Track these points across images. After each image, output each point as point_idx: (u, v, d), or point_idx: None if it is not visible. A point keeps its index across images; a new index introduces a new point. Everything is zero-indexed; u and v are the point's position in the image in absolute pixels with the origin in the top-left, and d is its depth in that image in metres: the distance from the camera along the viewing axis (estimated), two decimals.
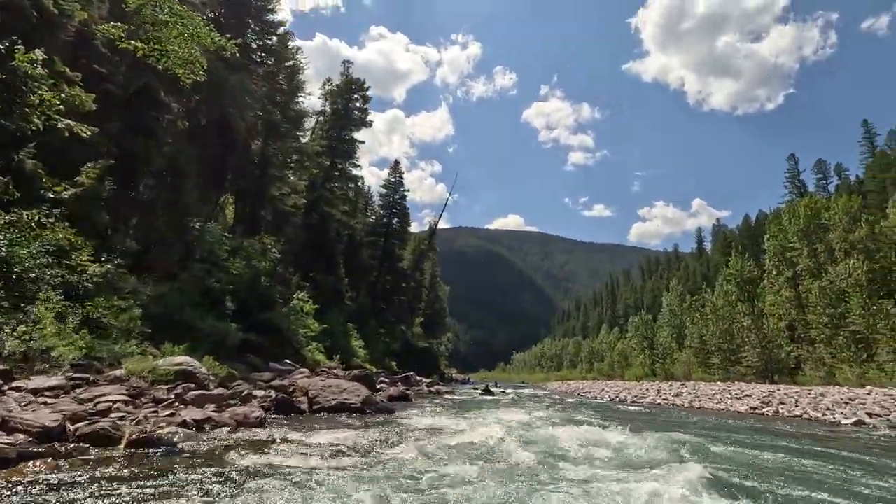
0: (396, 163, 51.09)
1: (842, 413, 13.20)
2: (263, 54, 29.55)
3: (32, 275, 8.66)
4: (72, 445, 4.96)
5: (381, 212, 49.29)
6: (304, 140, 35.85)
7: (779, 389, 19.98)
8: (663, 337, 50.80)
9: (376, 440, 6.86)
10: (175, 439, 5.52)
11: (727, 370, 36.34)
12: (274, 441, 6.14)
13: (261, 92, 28.23)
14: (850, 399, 14.94)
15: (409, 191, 49.68)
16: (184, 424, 6.05)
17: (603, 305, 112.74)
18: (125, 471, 4.40)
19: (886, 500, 4.80)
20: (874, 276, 27.87)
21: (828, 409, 13.99)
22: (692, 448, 7.41)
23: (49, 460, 4.46)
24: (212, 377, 10.04)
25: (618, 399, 23.72)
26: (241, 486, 4.08)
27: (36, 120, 11.34)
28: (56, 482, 3.94)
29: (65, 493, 3.70)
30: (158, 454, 5.01)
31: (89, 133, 13.27)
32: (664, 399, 21.32)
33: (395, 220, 48.52)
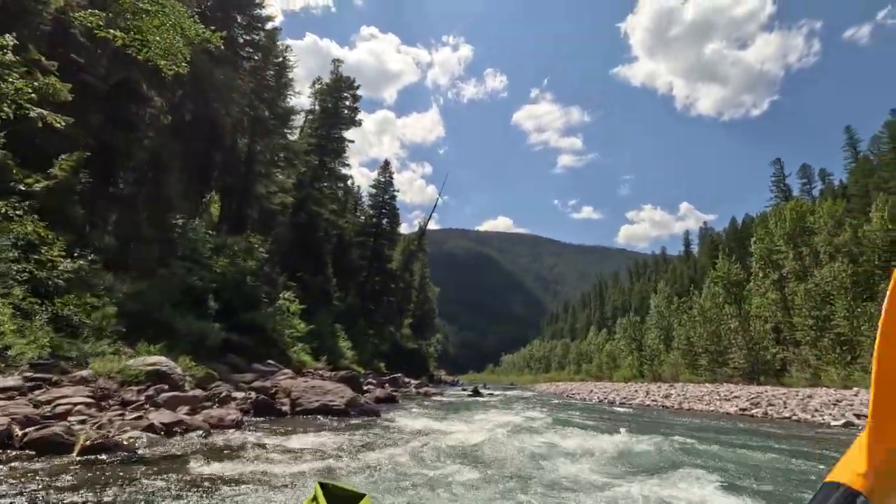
0: (386, 163, 50.65)
1: (830, 415, 13.17)
2: (250, 49, 29.02)
3: None
4: (15, 453, 4.53)
5: (371, 212, 48.83)
6: (292, 138, 35.31)
7: (766, 391, 20.02)
8: (651, 338, 51.07)
9: (357, 443, 6.55)
10: (136, 445, 5.08)
11: (714, 371, 36.57)
12: (247, 446, 5.78)
13: (247, 87, 27.72)
14: (837, 401, 14.96)
15: (398, 191, 49.32)
16: (150, 428, 5.65)
17: (591, 307, 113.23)
18: (71, 481, 3.96)
19: None
20: (858, 279, 28.21)
21: (816, 410, 13.97)
22: (684, 450, 7.23)
23: None
24: (188, 378, 9.62)
25: (607, 401, 23.62)
26: (199, 496, 3.73)
27: (6, 108, 10.85)
28: None
29: None
30: (114, 462, 4.58)
31: (63, 123, 12.76)
32: (653, 400, 21.25)
33: (384, 221, 48.09)
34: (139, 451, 4.98)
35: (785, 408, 14.98)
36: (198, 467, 4.46)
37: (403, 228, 59.48)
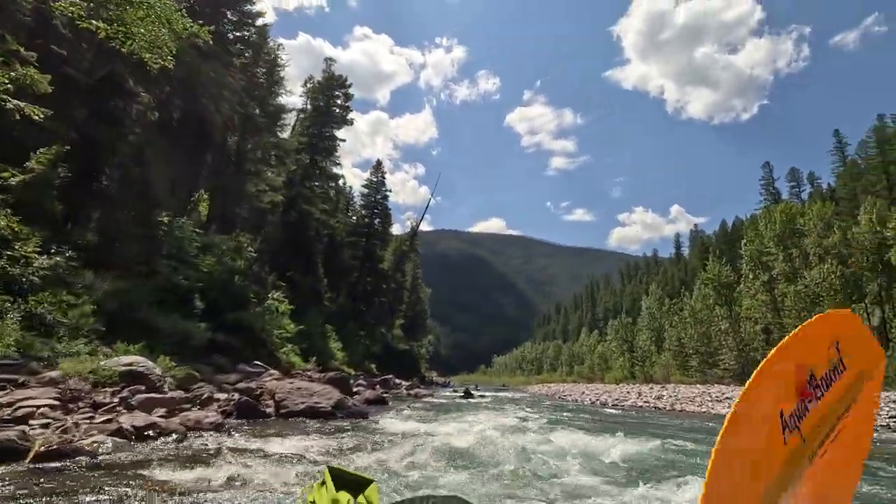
0: (379, 162, 50.32)
1: None
2: (241, 46, 28.59)
3: None
4: None
5: (363, 212, 48.47)
6: (283, 136, 34.89)
7: None
8: (642, 340, 51.23)
9: (341, 446, 6.28)
10: (99, 450, 4.75)
11: (705, 373, 36.69)
12: (223, 450, 5.49)
13: (238, 85, 27.29)
14: None
15: (390, 191, 49.00)
16: (119, 432, 5.32)
17: (583, 309, 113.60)
18: (13, 492, 3.59)
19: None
20: (847, 281, 28.42)
21: None
22: (679, 452, 7.06)
23: None
24: (168, 379, 9.27)
25: (599, 402, 23.50)
26: None
27: None
28: None
29: None
30: (68, 470, 4.21)
31: (42, 116, 12.36)
32: (645, 402, 21.17)
33: (376, 221, 47.73)
34: (100, 458, 4.63)
35: None
36: (162, 474, 4.12)
37: (396, 230, 59.14)
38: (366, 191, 48.58)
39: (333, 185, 44.42)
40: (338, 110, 40.07)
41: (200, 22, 11.84)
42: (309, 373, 20.95)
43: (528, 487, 4.67)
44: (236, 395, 9.95)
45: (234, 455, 5.25)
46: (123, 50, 10.69)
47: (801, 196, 57.92)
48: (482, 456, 6.19)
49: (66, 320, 9.74)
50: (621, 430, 9.94)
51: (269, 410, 9.95)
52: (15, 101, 11.21)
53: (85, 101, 17.36)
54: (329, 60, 42.67)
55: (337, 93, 40.16)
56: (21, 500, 3.37)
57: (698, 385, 30.27)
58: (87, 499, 3.49)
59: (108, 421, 5.74)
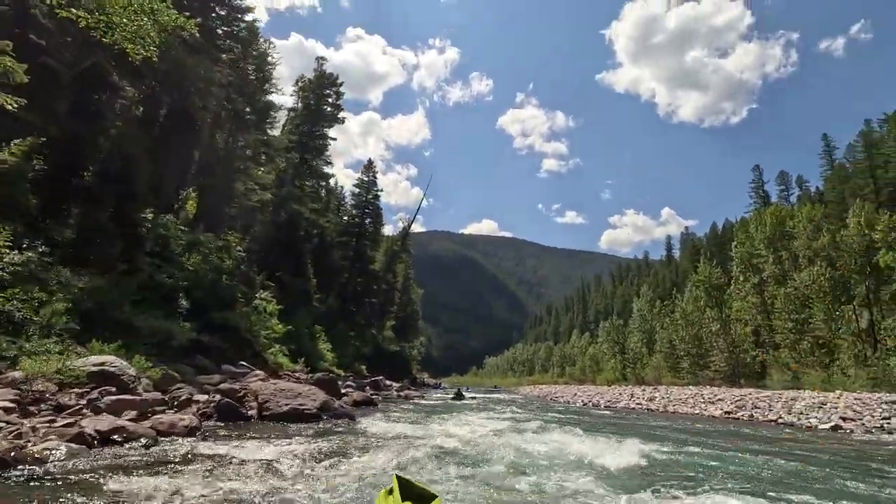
0: (370, 162, 49.86)
1: (816, 417, 12.99)
2: (229, 41, 28.05)
3: None
4: None
5: (354, 212, 47.97)
6: (273, 134, 34.34)
7: (750, 393, 19.92)
8: (634, 342, 51.27)
9: (323, 450, 5.94)
10: (50, 458, 4.30)
11: (696, 374, 36.73)
12: (195, 456, 5.12)
13: (226, 81, 26.77)
14: (821, 403, 14.83)
15: (382, 191, 48.53)
16: (79, 438, 4.91)
17: (574, 311, 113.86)
18: None
19: None
20: (836, 283, 28.56)
21: (801, 413, 13.80)
22: (673, 454, 6.82)
23: None
24: (143, 380, 8.84)
25: (591, 404, 23.31)
26: None
27: None
28: None
29: None
30: (9, 482, 3.74)
31: (16, 105, 11.90)
32: (637, 403, 21.00)
33: (367, 221, 47.24)
34: (50, 466, 4.19)
35: (770, 411, 14.79)
36: (117, 485, 3.71)
37: (388, 231, 58.69)
38: (357, 190, 48.11)
39: (324, 184, 43.94)
40: (329, 109, 39.63)
41: (187, 14, 11.46)
42: (297, 374, 20.52)
43: (519, 492, 4.40)
44: (217, 397, 9.54)
45: (205, 461, 4.87)
46: (105, 40, 10.27)
47: (790, 199, 58.49)
48: (471, 459, 5.90)
49: (38, 318, 9.28)
50: (615, 433, 9.70)
51: (251, 413, 9.56)
52: None
53: (67, 93, 16.83)
54: (321, 59, 42.21)
55: (328, 91, 39.72)
56: None
57: (691, 386, 30.23)
58: None
59: (70, 425, 5.32)
